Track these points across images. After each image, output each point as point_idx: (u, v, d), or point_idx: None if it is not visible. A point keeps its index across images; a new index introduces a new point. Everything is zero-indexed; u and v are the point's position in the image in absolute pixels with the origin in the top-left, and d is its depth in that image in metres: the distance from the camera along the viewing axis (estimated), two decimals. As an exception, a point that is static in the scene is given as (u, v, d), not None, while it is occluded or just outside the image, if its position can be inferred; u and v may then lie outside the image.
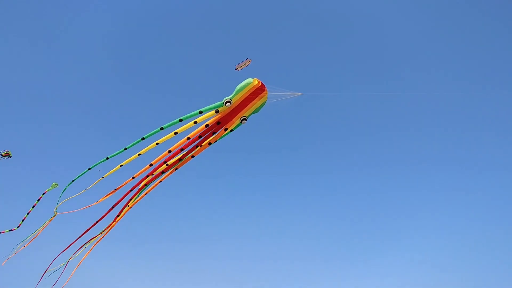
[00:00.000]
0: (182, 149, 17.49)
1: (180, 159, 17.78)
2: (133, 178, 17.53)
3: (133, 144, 17.12)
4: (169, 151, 17.31)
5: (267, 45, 62.90)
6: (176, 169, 18.53)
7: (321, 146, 58.37)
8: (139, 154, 17.29)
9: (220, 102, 16.41)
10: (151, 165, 17.25)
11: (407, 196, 51.98)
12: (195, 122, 16.66)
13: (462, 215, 47.88)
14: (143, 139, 16.96)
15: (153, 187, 18.94)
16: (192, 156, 18.16)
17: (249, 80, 16.27)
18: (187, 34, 63.01)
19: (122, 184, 17.92)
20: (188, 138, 16.95)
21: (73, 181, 17.77)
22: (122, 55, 60.84)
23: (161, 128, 16.64)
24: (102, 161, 17.55)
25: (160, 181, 18.76)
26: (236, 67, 36.03)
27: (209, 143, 17.69)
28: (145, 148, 17.11)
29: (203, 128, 16.87)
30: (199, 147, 17.69)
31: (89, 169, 17.45)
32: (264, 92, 16.85)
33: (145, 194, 18.98)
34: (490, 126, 51.32)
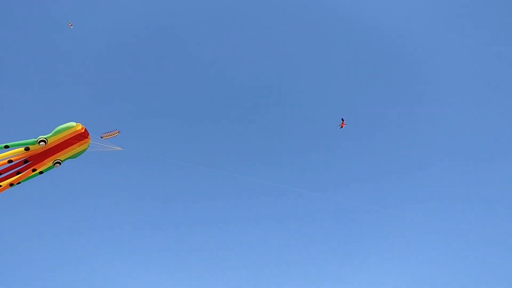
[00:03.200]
0: None
1: None
2: None
3: None
4: None
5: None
6: None
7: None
8: None
9: (33, 140, 16.03)
10: None
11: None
12: None
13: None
14: None
15: None
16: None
17: (72, 123, 16.79)
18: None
19: None
20: None
21: None
22: None
23: None
24: None
25: None
26: (103, 135, 34.81)
27: (11, 184, 16.19)
28: None
29: (4, 164, 15.67)
30: None
31: None
32: (86, 140, 17.49)
33: None
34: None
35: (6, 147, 15.50)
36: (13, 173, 16.12)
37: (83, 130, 17.19)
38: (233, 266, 50.52)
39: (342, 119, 41.67)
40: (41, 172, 16.78)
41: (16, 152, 15.86)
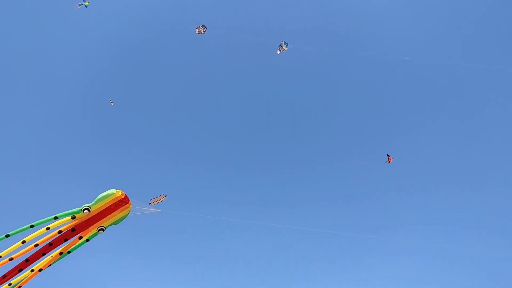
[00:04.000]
0: (27, 260, 16.61)
1: (20, 269, 16.60)
2: None
3: None
4: (11, 259, 16.31)
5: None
6: (19, 287, 16.99)
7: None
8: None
9: (78, 208, 17.08)
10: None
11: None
12: (48, 228, 16.61)
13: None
14: None
15: None
16: (40, 270, 17.11)
17: (112, 190, 17.67)
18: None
19: None
20: (36, 245, 16.43)
21: None
22: None
23: (7, 235, 16.15)
24: None
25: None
26: (151, 201, 37.17)
27: (61, 253, 17.18)
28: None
29: (55, 235, 16.76)
30: (50, 257, 17.00)
31: None
32: (127, 205, 18.08)
33: None
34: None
35: (56, 218, 16.71)
36: (61, 241, 17.10)
37: (124, 196, 17.86)
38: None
39: (388, 155, 41.59)
40: (87, 240, 17.56)
41: (64, 222, 16.97)
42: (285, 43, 40.42)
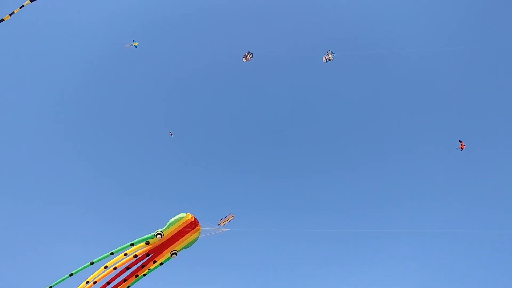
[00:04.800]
0: (108, 283, 17.15)
1: None
2: None
3: (60, 281, 16.92)
4: (95, 282, 16.93)
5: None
6: None
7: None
8: None
9: (151, 234, 17.18)
10: None
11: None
12: (125, 254, 16.99)
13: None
14: (71, 275, 16.88)
15: None
16: (120, 292, 17.60)
17: (182, 214, 17.54)
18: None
19: None
20: (115, 268, 16.91)
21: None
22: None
23: (92, 263, 16.80)
24: None
25: None
26: (219, 222, 37.45)
27: (136, 275, 17.47)
28: None
29: (131, 259, 17.06)
30: (125, 281, 17.39)
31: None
32: (197, 228, 17.86)
33: None
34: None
35: (132, 244, 16.97)
36: (138, 267, 17.36)
37: (193, 219, 17.66)
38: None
39: (460, 141, 39.13)
40: (161, 263, 17.65)
41: (139, 247, 17.18)
42: (332, 52, 37.59)
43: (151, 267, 17.57)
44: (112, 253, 16.81)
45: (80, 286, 16.79)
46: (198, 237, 18.03)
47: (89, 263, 16.66)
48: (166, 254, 17.53)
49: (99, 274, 16.85)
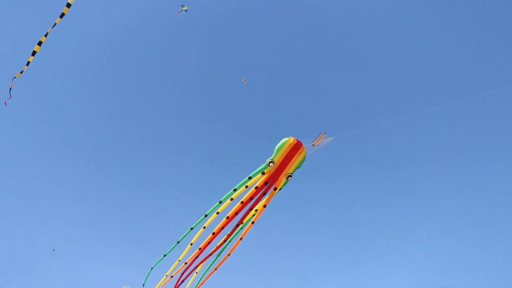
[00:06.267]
0: (236, 213, 18.90)
1: (238, 225, 19.14)
2: (200, 249, 19.10)
3: (198, 222, 19.24)
4: (227, 217, 18.90)
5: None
6: (240, 238, 19.74)
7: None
8: (204, 228, 19.23)
9: (264, 164, 18.27)
10: (213, 233, 18.83)
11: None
12: (246, 187, 18.50)
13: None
14: (205, 216, 19.09)
15: (223, 260, 20.03)
16: (252, 223, 19.40)
17: (285, 139, 18.18)
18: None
19: (191, 259, 19.55)
20: (242, 202, 18.57)
21: (165, 255, 20.00)
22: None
23: (220, 202, 18.74)
24: (174, 246, 19.80)
25: (229, 254, 19.90)
26: (313, 143, 36.85)
27: (264, 205, 18.99)
28: (208, 221, 19.11)
29: (253, 191, 18.51)
30: (256, 212, 19.04)
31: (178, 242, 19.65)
32: (302, 148, 18.43)
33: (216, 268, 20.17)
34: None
35: (249, 178, 18.35)
36: (261, 195, 18.81)
37: (296, 141, 18.19)
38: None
39: None
40: (280, 189, 18.85)
41: (256, 179, 18.52)
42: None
43: (273, 194, 18.90)
44: (235, 190, 18.45)
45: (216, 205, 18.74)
46: (305, 155, 18.63)
47: (217, 202, 18.58)
48: (282, 179, 18.58)
49: (226, 207, 18.66)
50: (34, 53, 18.97)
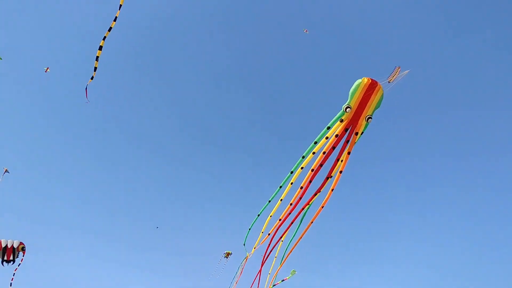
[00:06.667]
0: (321, 165, 18.94)
1: (328, 178, 19.23)
2: (291, 204, 19.79)
3: (285, 180, 19.89)
4: (312, 170, 19.09)
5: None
6: (332, 190, 19.83)
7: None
8: (292, 183, 19.80)
9: (341, 111, 17.75)
10: (301, 187, 19.29)
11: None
12: (326, 138, 18.33)
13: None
14: (291, 172, 19.61)
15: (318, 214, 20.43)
16: (341, 172, 19.28)
17: (359, 81, 17.23)
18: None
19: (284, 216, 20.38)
20: (324, 153, 18.50)
21: (258, 215, 21.45)
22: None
23: (303, 157, 18.98)
24: (266, 205, 20.90)
25: (322, 206, 20.20)
26: (388, 80, 34.23)
27: (348, 153, 18.69)
28: (293, 177, 19.61)
29: (334, 139, 18.26)
30: (341, 161, 18.88)
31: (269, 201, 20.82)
32: (378, 86, 17.39)
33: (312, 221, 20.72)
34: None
35: (328, 128, 18.09)
36: (344, 143, 18.51)
37: (371, 81, 17.19)
38: None
39: None
40: (362, 133, 18.28)
41: (336, 128, 18.18)
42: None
43: (356, 140, 18.44)
44: (315, 142, 18.43)
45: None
46: (383, 94, 17.60)
47: (300, 157, 18.85)
48: (362, 122, 17.94)
49: (311, 159, 18.83)
50: (97, 58, 19.98)
